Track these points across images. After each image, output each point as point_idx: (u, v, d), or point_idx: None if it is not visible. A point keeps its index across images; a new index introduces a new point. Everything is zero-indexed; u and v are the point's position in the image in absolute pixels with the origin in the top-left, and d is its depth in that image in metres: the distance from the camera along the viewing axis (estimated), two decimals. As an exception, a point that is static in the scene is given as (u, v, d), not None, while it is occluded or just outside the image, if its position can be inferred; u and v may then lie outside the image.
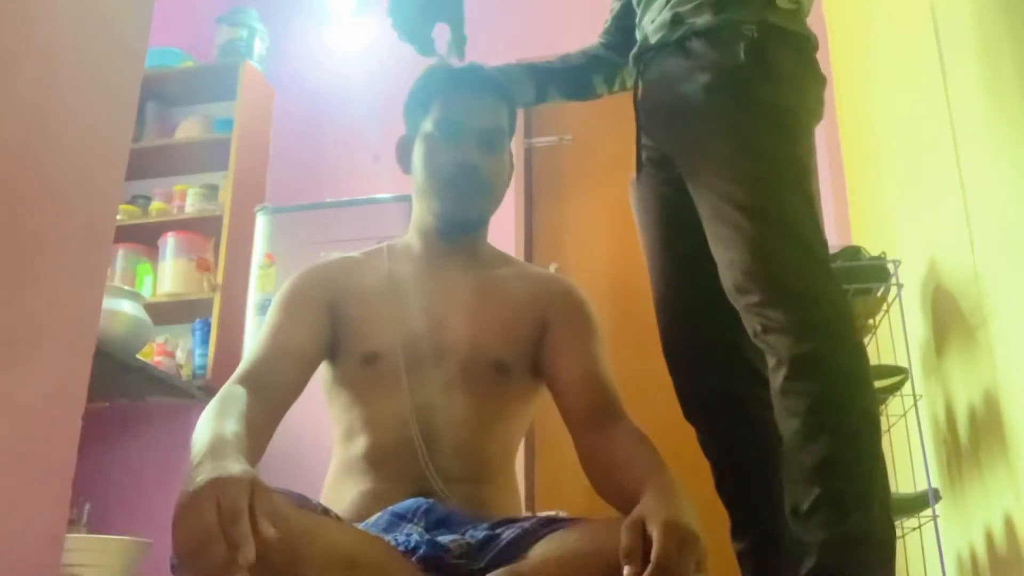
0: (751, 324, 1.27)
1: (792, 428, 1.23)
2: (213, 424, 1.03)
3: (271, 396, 1.20)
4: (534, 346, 1.35)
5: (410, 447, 1.24)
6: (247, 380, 1.20)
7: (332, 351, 1.34)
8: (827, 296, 1.26)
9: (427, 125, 1.38)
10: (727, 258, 1.30)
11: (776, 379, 1.25)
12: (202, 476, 0.84)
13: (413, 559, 1.02)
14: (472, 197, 1.36)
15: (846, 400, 1.22)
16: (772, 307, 1.24)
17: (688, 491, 1.01)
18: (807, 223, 1.29)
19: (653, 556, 0.88)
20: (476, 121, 1.37)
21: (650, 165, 1.53)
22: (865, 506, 1.18)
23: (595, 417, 1.24)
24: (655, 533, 0.90)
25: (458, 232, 1.39)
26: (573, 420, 1.27)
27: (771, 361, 1.26)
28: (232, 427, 1.03)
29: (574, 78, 1.68)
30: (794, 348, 1.22)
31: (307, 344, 1.29)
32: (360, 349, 1.31)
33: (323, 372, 1.36)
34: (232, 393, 1.15)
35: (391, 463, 1.25)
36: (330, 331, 1.33)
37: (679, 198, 1.42)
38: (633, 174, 1.57)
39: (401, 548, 1.04)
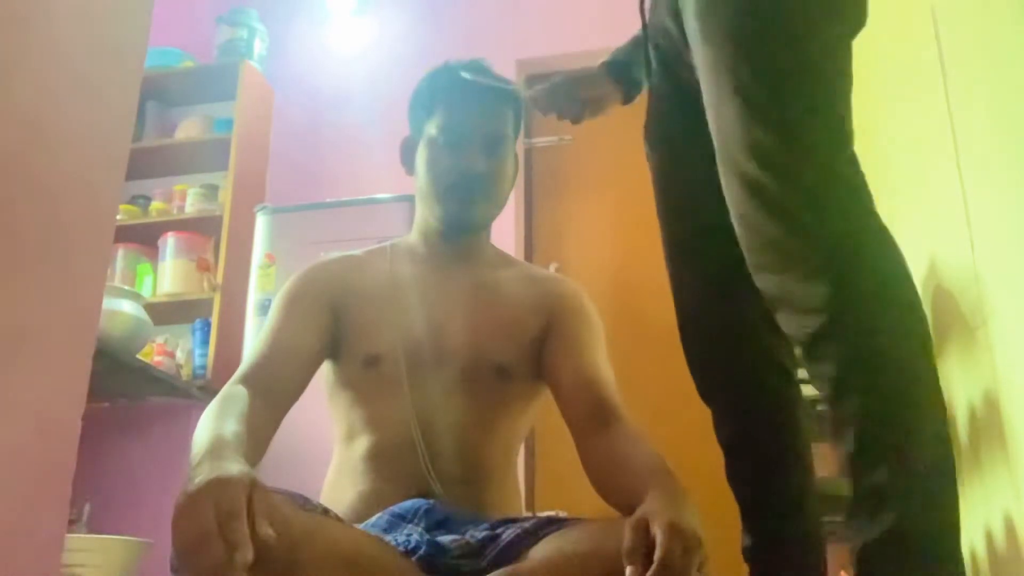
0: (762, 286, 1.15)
1: (829, 374, 1.11)
2: (213, 424, 1.03)
3: (272, 396, 1.20)
4: (536, 348, 1.35)
5: (411, 449, 1.24)
6: (248, 380, 1.20)
7: (334, 352, 1.34)
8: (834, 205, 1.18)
9: (431, 129, 1.37)
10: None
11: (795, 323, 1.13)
12: (200, 477, 0.84)
13: (413, 559, 1.03)
14: (474, 203, 1.36)
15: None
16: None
17: (688, 492, 1.01)
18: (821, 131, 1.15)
19: (656, 557, 0.88)
20: (480, 127, 1.36)
21: (660, 102, 1.45)
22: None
23: (596, 419, 1.24)
24: (659, 534, 0.90)
25: (460, 235, 1.39)
26: (574, 422, 1.27)
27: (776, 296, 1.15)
28: (232, 427, 1.03)
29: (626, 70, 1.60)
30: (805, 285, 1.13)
31: (309, 344, 1.29)
32: (362, 351, 1.31)
33: (325, 372, 1.36)
34: (233, 393, 1.15)
35: (392, 464, 1.25)
36: (332, 331, 1.33)
37: (691, 146, 1.32)
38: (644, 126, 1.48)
39: (401, 548, 1.04)
